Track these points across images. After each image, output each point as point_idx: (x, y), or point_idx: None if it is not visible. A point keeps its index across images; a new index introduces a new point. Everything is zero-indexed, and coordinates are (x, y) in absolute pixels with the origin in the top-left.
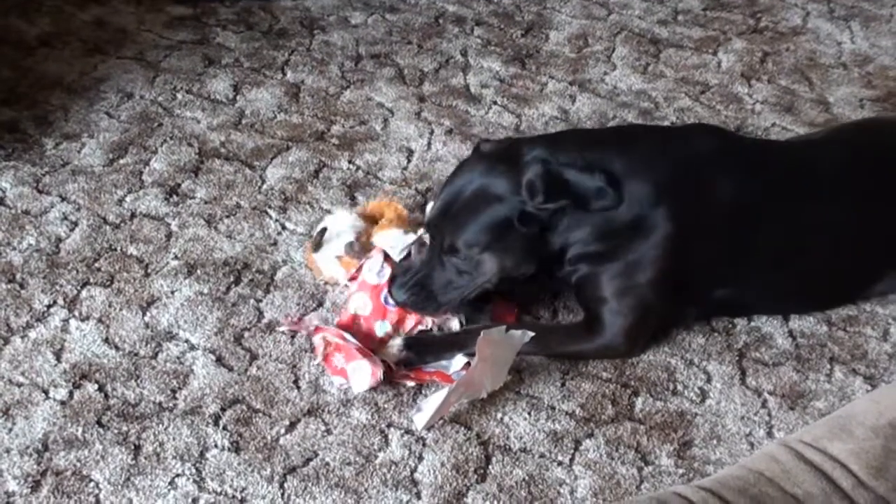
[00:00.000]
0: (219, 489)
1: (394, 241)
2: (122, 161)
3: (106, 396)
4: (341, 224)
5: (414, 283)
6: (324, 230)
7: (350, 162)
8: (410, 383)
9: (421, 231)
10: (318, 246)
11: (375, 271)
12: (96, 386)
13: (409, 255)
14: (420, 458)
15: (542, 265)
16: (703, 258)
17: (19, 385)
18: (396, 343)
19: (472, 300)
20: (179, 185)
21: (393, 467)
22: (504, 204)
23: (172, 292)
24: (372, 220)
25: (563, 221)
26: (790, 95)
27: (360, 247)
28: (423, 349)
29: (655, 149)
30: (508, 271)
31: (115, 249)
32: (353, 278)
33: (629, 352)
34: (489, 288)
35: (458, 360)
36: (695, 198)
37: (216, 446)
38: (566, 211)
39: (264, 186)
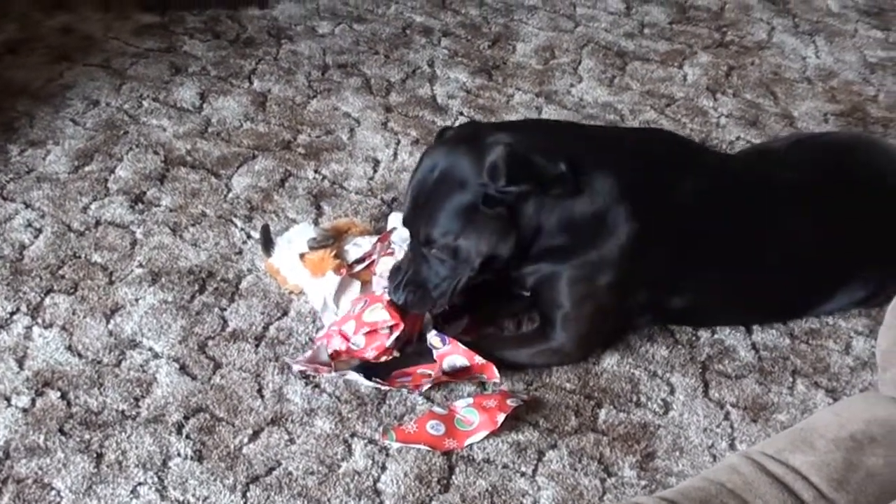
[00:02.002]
0: (181, 498)
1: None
2: (87, 168)
3: (68, 404)
4: (303, 234)
5: (406, 282)
6: (266, 227)
7: (316, 171)
8: (385, 387)
9: (376, 239)
10: (267, 246)
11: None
12: (59, 393)
13: (367, 260)
14: (383, 468)
15: (517, 249)
16: (663, 262)
17: None
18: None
19: (447, 315)
20: (145, 193)
21: (356, 477)
22: (468, 188)
23: (136, 300)
24: (337, 233)
25: (530, 206)
26: (755, 109)
27: (323, 236)
28: (372, 367)
29: (619, 147)
30: (487, 253)
31: (80, 257)
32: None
33: (580, 358)
34: (472, 276)
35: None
36: (656, 199)
37: (179, 455)
38: (530, 196)
39: (230, 195)
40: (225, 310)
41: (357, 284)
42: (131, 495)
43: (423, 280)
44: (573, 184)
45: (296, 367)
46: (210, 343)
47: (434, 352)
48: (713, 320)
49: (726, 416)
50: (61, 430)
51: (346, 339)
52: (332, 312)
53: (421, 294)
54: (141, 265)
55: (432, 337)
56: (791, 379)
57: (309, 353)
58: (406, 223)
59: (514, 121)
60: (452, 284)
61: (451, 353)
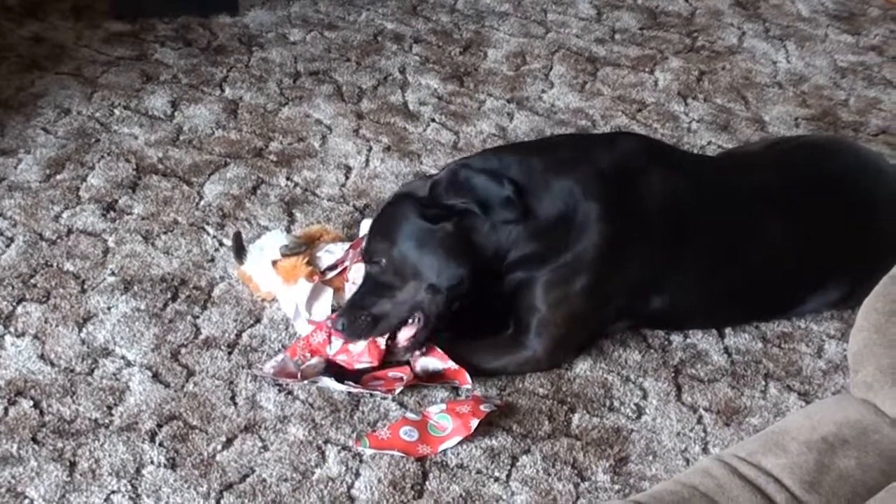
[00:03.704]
0: None
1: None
2: (58, 177)
3: (41, 413)
4: (275, 241)
5: (349, 307)
6: (238, 234)
7: (288, 178)
8: (357, 390)
9: (349, 245)
10: (239, 254)
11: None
12: (31, 402)
13: (339, 266)
14: (357, 475)
15: (481, 276)
16: (639, 263)
17: None
18: (320, 361)
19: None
20: (117, 201)
21: (330, 483)
22: (411, 202)
23: (109, 308)
24: (309, 240)
25: (484, 227)
26: (726, 114)
27: (295, 244)
28: (343, 371)
29: (579, 149)
30: (436, 276)
31: (52, 265)
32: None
33: (552, 365)
34: (424, 308)
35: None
36: (628, 199)
37: (152, 463)
38: (475, 217)
39: (202, 203)
40: (198, 317)
41: (330, 291)
42: (105, 503)
43: (367, 305)
44: (519, 208)
45: (265, 371)
46: (183, 351)
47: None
48: (689, 323)
49: (699, 420)
50: (34, 439)
51: (328, 341)
52: (305, 319)
53: (360, 320)
54: (113, 273)
55: None
56: (763, 382)
57: (276, 362)
58: (363, 256)
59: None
60: (401, 310)
61: (425, 355)
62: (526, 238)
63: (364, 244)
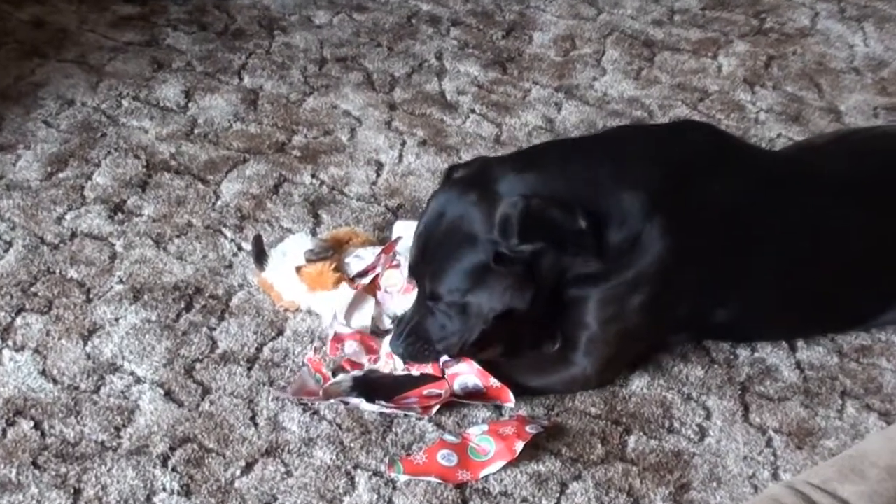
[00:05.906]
0: None
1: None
2: (61, 175)
3: (42, 435)
4: (299, 246)
5: (408, 333)
6: (258, 238)
7: (313, 176)
8: (390, 411)
9: (380, 250)
10: (259, 259)
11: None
12: (32, 423)
13: (370, 273)
14: (390, 503)
15: (540, 297)
16: (704, 273)
17: None
18: (345, 380)
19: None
20: (125, 201)
21: None
22: (478, 245)
23: (117, 320)
24: (337, 243)
25: (548, 258)
26: (797, 103)
27: (321, 248)
28: (372, 390)
29: (645, 155)
30: (500, 310)
31: (54, 272)
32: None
33: (601, 384)
34: (486, 329)
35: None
36: (691, 207)
37: (164, 490)
38: (546, 251)
39: (219, 203)
40: (214, 329)
41: (372, 301)
42: None
43: (427, 332)
44: (593, 240)
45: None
46: (198, 366)
47: (445, 370)
48: (757, 335)
49: (768, 443)
50: (35, 464)
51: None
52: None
53: (422, 346)
54: (121, 281)
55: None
56: (840, 401)
57: (295, 380)
58: (412, 272)
59: (527, 152)
60: (461, 339)
61: (464, 372)
62: (590, 259)
63: (426, 281)
